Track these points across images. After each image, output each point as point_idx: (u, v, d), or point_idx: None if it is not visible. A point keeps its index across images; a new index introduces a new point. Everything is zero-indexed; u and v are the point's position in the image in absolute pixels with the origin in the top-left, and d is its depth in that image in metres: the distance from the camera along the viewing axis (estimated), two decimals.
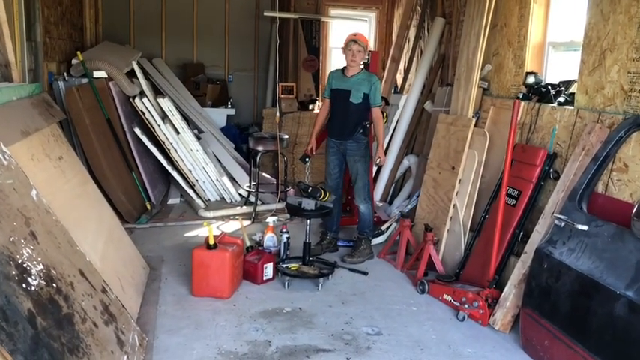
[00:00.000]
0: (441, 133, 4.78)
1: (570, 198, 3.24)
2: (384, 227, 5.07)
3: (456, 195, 4.49)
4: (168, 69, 7.97)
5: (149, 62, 7.75)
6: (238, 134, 7.98)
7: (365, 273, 4.42)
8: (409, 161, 5.95)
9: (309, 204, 4.07)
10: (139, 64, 7.19)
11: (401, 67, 7.01)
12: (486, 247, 3.99)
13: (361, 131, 4.59)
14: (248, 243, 4.28)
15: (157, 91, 7.35)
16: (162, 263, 4.52)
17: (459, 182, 4.48)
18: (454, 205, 4.49)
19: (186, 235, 5.27)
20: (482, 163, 4.39)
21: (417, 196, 5.00)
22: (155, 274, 4.27)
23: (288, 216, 5.82)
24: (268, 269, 4.11)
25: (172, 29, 8.32)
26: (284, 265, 4.23)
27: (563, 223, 3.13)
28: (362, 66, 4.72)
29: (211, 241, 3.80)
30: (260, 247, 4.73)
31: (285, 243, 4.50)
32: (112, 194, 5.42)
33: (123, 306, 2.98)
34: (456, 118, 4.66)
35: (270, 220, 4.81)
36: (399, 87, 7.02)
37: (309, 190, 4.13)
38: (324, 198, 4.15)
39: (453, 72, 5.72)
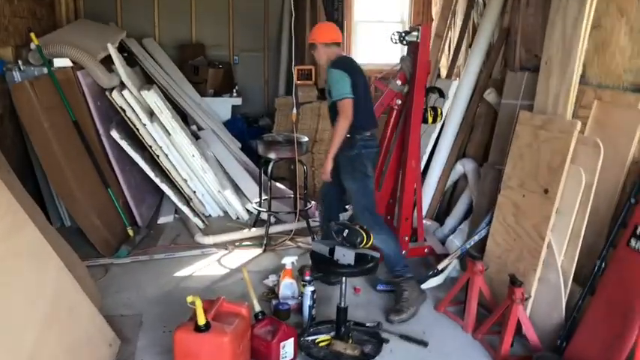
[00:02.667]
0: (525, 140, 3.43)
1: None
2: (440, 266, 3.75)
3: (552, 230, 3.16)
4: (161, 51, 6.68)
5: (138, 44, 6.45)
6: (246, 128, 6.68)
7: (424, 344, 3.12)
8: (464, 167, 4.60)
9: (346, 255, 2.75)
10: (123, 46, 5.91)
11: (447, 45, 5.62)
12: (611, 316, 2.69)
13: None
14: (257, 307, 2.99)
15: (150, 80, 6.07)
16: (139, 329, 3.26)
17: (556, 212, 3.15)
18: (548, 245, 3.17)
19: (177, 274, 4.00)
20: (594, 187, 3.04)
21: (487, 223, 3.67)
22: (127, 352, 3.01)
23: (310, 243, 4.54)
24: (287, 349, 2.83)
25: (167, 3, 6.98)
26: (309, 339, 2.95)
27: None
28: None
29: (201, 321, 2.51)
30: (273, 299, 3.47)
31: (310, 300, 3.22)
32: (81, 219, 4.19)
33: None
34: (549, 120, 3.30)
35: (288, 260, 3.52)
36: (441, 72, 5.65)
37: (344, 232, 2.81)
38: (366, 243, 2.83)
39: (523, 51, 4.34)
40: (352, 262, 2.73)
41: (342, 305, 2.93)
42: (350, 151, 3.53)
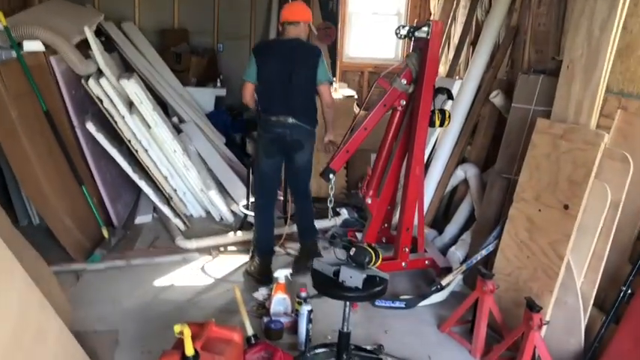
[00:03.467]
0: (542, 149, 3.16)
1: None
2: (444, 281, 3.48)
3: (571, 249, 2.91)
4: (141, 36, 6.27)
5: (117, 27, 6.03)
6: (230, 121, 6.32)
7: None
8: (466, 172, 4.34)
9: (353, 277, 2.45)
10: (101, 30, 5.49)
11: (448, 42, 5.34)
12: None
13: None
14: (250, 330, 2.67)
15: (128, 67, 5.67)
16: (115, 348, 2.92)
17: (576, 230, 2.90)
18: (567, 265, 2.92)
19: (156, 283, 3.66)
20: (621, 205, 2.80)
21: (496, 237, 3.41)
22: None
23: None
24: None
25: None
26: None
27: None
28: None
29: (189, 352, 2.19)
30: (264, 315, 3.17)
31: (307, 320, 2.92)
32: (51, 220, 3.81)
33: None
34: (570, 129, 3.03)
35: (281, 274, 3.21)
36: (440, 70, 5.37)
37: (351, 250, 2.51)
38: (374, 262, 2.54)
39: (533, 52, 4.09)
40: (360, 286, 2.43)
41: (345, 330, 2.64)
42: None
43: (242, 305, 2.73)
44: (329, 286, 2.49)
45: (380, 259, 2.55)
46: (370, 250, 2.52)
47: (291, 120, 3.56)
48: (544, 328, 2.85)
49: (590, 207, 2.88)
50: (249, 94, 3.66)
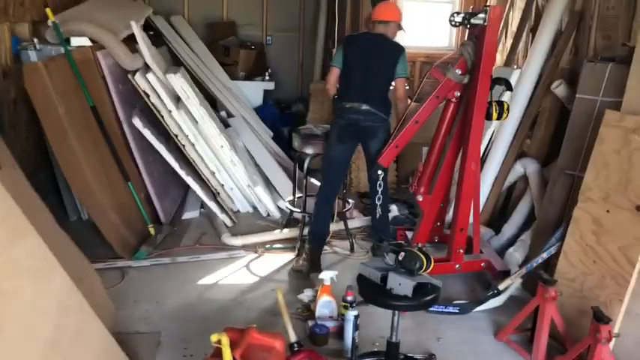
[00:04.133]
0: (611, 145, 2.89)
1: None
2: (501, 285, 3.26)
3: None
4: (190, 30, 6.24)
5: (166, 21, 6.01)
6: (278, 115, 6.22)
7: None
8: (525, 168, 4.08)
9: (402, 285, 2.28)
10: (150, 24, 5.47)
11: (505, 29, 5.05)
12: None
13: None
14: (293, 337, 2.55)
15: (177, 61, 5.64)
16: (157, 350, 2.85)
17: None
18: (639, 272, 2.66)
19: (201, 281, 3.59)
20: None
21: (558, 239, 3.16)
22: None
23: (348, 248, 4.10)
24: None
25: None
26: None
27: None
28: None
29: None
30: (309, 319, 3.05)
31: (353, 326, 2.77)
32: (97, 216, 3.80)
33: None
34: None
35: (326, 275, 3.07)
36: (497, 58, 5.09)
37: (400, 255, 2.34)
38: (425, 269, 2.36)
39: (599, 38, 3.79)
40: (410, 294, 2.26)
41: (394, 340, 2.48)
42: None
43: (284, 310, 2.61)
44: (376, 293, 2.34)
45: (432, 265, 2.37)
46: (421, 255, 2.35)
47: (365, 107, 3.64)
48: (613, 341, 2.61)
49: None
50: (334, 78, 3.79)
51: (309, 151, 4.00)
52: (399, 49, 3.73)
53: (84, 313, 2.50)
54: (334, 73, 3.77)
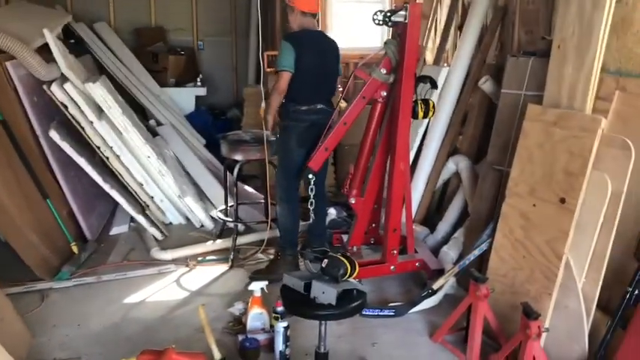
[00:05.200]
0: (535, 139, 2.89)
1: None
2: (435, 285, 3.22)
3: (570, 247, 2.65)
4: (115, 37, 6.02)
5: (88, 29, 5.77)
6: (212, 121, 6.06)
7: None
8: (457, 165, 4.07)
9: (325, 292, 2.19)
10: (70, 31, 5.23)
11: (433, 27, 5.06)
12: None
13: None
14: (217, 355, 2.42)
15: (103, 70, 5.41)
16: None
17: (575, 226, 2.63)
18: (566, 265, 2.66)
19: (127, 300, 3.40)
20: (622, 197, 2.53)
21: (489, 236, 3.15)
22: None
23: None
24: None
25: None
26: None
27: None
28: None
29: None
30: (240, 333, 2.92)
31: (283, 338, 2.66)
32: (12, 237, 3.57)
33: None
34: (564, 115, 2.76)
35: (256, 286, 2.95)
36: (427, 57, 5.10)
37: (323, 262, 2.25)
38: (350, 274, 2.28)
39: (522, 33, 3.81)
40: (334, 302, 2.17)
41: (322, 350, 2.39)
42: (282, 121, 3.61)
43: (207, 326, 2.48)
44: (299, 303, 2.23)
45: (357, 271, 2.29)
46: (345, 260, 2.26)
47: (320, 106, 3.57)
48: (543, 335, 2.59)
49: (589, 200, 2.62)
50: (285, 84, 3.49)
51: (238, 157, 3.87)
52: (337, 46, 3.72)
53: None
54: (286, 79, 3.48)
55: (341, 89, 4.04)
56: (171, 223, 4.57)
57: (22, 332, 2.83)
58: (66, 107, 4.06)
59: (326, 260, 2.25)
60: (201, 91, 6.10)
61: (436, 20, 5.10)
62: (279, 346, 2.65)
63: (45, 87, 4.03)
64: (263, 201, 4.28)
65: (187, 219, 4.57)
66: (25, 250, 3.56)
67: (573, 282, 2.64)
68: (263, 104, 3.99)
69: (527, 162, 2.91)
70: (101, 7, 6.27)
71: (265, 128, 3.55)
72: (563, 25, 2.86)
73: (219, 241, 4.09)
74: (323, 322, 2.35)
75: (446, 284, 3.28)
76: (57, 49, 4.00)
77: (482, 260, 3.28)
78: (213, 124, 6.00)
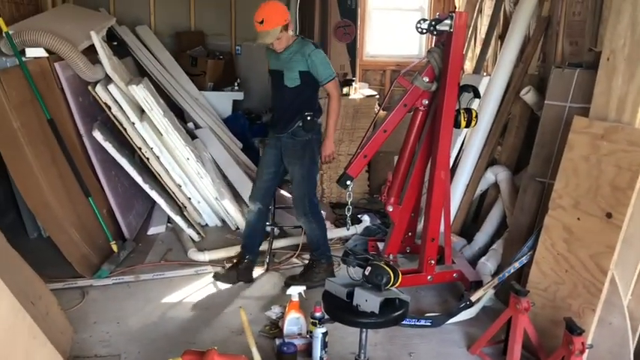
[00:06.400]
0: (580, 151, 2.85)
1: None
2: (473, 297, 3.19)
3: (616, 263, 2.60)
4: (156, 40, 6.10)
5: (131, 32, 5.88)
6: (248, 125, 6.10)
7: None
8: (496, 176, 4.03)
9: (369, 301, 2.19)
10: (112, 34, 5.35)
11: (474, 36, 5.03)
12: None
13: (300, 124, 3.44)
14: (258, 358, 2.44)
15: (143, 72, 5.51)
16: None
17: (621, 241, 2.58)
18: (611, 280, 2.61)
19: (165, 299, 3.45)
20: None
21: (530, 248, 3.11)
22: None
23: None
24: None
25: None
26: None
27: None
28: (293, 34, 3.50)
29: None
30: (277, 336, 2.93)
31: (321, 344, 2.66)
32: (55, 233, 3.66)
33: None
34: (613, 129, 2.72)
35: (294, 291, 2.96)
36: (466, 66, 5.07)
37: (366, 270, 2.25)
38: (393, 283, 2.27)
39: (567, 44, 3.76)
40: (377, 310, 2.16)
41: (362, 358, 2.38)
42: (305, 135, 3.47)
43: (248, 330, 2.49)
44: (342, 310, 2.24)
45: (399, 279, 2.29)
46: (388, 268, 2.26)
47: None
48: (586, 352, 2.54)
49: (636, 215, 2.57)
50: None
51: None
52: None
53: (34, 338, 2.36)
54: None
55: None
56: (207, 225, 4.62)
57: (65, 328, 2.89)
58: (109, 108, 4.14)
59: (369, 268, 2.24)
60: (239, 96, 6.16)
61: (476, 29, 5.06)
62: (318, 352, 2.66)
63: (90, 88, 4.12)
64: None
65: (223, 221, 4.61)
66: (67, 246, 3.64)
67: (618, 298, 2.59)
68: None
69: (572, 174, 2.87)
70: (143, 10, 6.37)
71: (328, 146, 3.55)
72: (613, 36, 2.82)
73: None
74: (364, 330, 2.33)
75: (484, 297, 3.24)
76: (103, 51, 4.09)
77: (521, 273, 3.25)
78: (250, 128, 6.05)
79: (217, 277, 3.68)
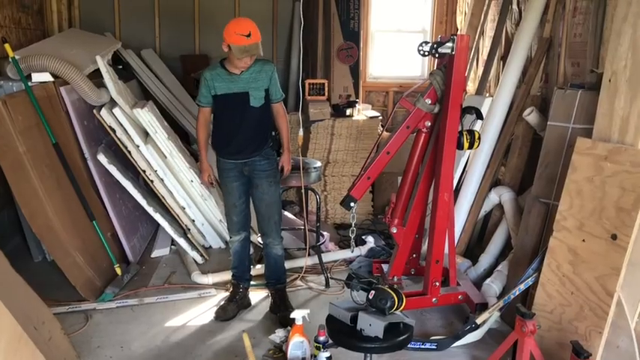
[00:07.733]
0: (584, 173, 2.85)
1: None
2: (479, 319, 3.16)
3: (622, 285, 2.58)
4: (160, 63, 6.15)
5: (136, 55, 5.93)
6: None
7: None
8: (500, 197, 4.02)
9: (372, 325, 2.17)
10: (118, 57, 5.40)
11: (476, 58, 5.06)
12: None
13: (270, 144, 3.43)
14: None
15: (148, 95, 5.55)
16: None
17: (627, 263, 2.56)
18: (618, 303, 2.58)
19: (169, 323, 3.43)
20: None
21: (535, 270, 3.09)
22: None
23: (323, 283, 3.98)
24: None
25: (169, 11, 6.46)
26: None
27: None
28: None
29: None
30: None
31: None
32: (60, 257, 3.65)
33: None
34: (616, 150, 2.72)
35: (298, 314, 2.94)
36: (468, 87, 5.09)
37: (370, 294, 2.24)
38: (397, 307, 2.26)
39: (568, 65, 3.78)
40: (381, 335, 2.15)
41: None
42: (273, 155, 3.45)
43: (251, 355, 2.48)
44: (346, 335, 2.22)
45: (404, 303, 2.27)
46: (392, 292, 2.25)
47: None
48: None
49: None
50: None
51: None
52: None
53: None
54: None
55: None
56: (210, 247, 4.62)
57: (68, 352, 2.87)
58: (114, 131, 4.17)
59: (373, 292, 2.23)
60: None
61: (478, 50, 5.10)
62: None
63: (95, 111, 4.15)
64: (302, 227, 4.28)
65: (226, 243, 4.60)
66: (71, 270, 3.64)
67: (625, 321, 2.57)
68: (301, 132, 4.06)
69: (575, 196, 2.87)
70: (148, 34, 6.43)
71: None
72: (614, 58, 2.83)
73: (258, 266, 4.09)
74: (368, 354, 2.31)
75: (489, 319, 3.21)
76: (108, 76, 4.13)
77: (527, 295, 3.23)
78: None
79: (218, 317, 3.49)
